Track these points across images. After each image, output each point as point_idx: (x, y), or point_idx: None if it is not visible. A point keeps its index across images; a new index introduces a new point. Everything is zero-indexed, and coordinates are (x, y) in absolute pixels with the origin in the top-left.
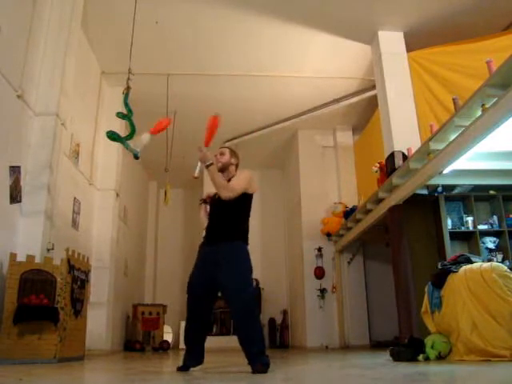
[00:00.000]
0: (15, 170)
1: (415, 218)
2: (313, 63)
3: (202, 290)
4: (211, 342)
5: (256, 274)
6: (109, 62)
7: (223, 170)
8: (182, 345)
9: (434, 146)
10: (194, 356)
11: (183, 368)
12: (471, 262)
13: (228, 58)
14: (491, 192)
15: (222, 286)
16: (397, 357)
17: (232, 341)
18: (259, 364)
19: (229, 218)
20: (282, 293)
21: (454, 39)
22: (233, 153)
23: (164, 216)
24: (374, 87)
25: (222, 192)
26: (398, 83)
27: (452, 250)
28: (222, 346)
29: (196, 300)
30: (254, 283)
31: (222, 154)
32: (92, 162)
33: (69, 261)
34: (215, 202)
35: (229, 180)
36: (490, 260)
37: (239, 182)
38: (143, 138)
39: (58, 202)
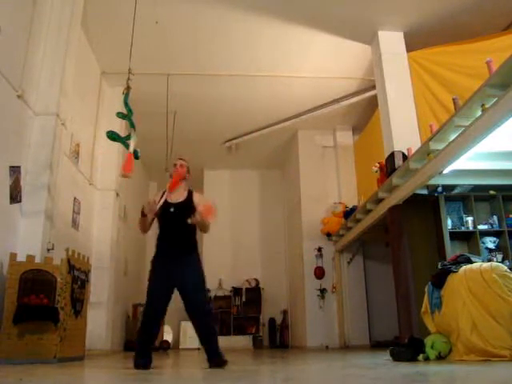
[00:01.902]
0: (15, 170)
1: (415, 218)
2: (313, 63)
3: (163, 302)
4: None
5: (256, 273)
6: (109, 62)
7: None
8: (182, 344)
9: (433, 146)
10: (146, 357)
11: (138, 367)
12: (471, 262)
13: (228, 57)
14: (491, 192)
15: (185, 292)
16: (397, 357)
17: (232, 341)
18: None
19: (189, 235)
20: (282, 293)
21: (454, 39)
22: (189, 169)
23: None
24: (374, 87)
25: (208, 229)
26: (398, 83)
27: (452, 250)
28: (222, 345)
29: (157, 312)
30: (254, 283)
31: (181, 166)
32: (92, 162)
33: (69, 261)
34: (170, 216)
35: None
36: (489, 260)
37: None
38: None
39: (58, 202)
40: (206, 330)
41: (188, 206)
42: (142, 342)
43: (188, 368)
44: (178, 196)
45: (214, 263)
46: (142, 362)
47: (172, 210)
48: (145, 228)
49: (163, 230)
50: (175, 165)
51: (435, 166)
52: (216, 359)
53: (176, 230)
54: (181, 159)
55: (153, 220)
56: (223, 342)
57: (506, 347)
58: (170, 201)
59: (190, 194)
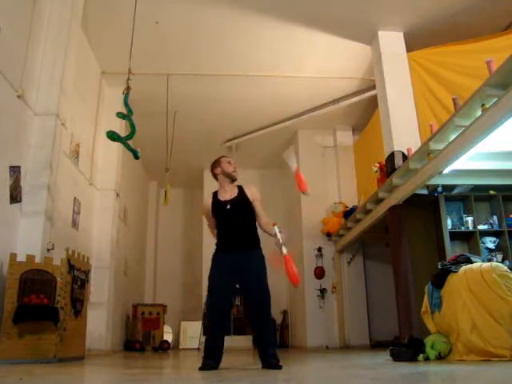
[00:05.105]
0: (15, 170)
1: (415, 218)
2: (313, 63)
3: (226, 299)
4: None
5: None
6: (109, 62)
7: (235, 180)
8: (182, 345)
9: (433, 146)
10: (214, 357)
11: (205, 367)
12: (471, 262)
13: (228, 58)
14: (491, 192)
15: (246, 290)
16: (397, 357)
17: (232, 341)
18: (276, 360)
19: (248, 229)
20: (282, 293)
21: (454, 39)
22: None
23: (164, 216)
24: (374, 87)
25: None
26: (398, 83)
27: (452, 250)
28: None
29: (221, 310)
30: None
31: (234, 165)
32: (92, 162)
33: (69, 261)
34: (227, 213)
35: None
36: (489, 260)
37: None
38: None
39: (58, 202)
40: (263, 331)
41: (242, 201)
42: (210, 343)
43: (188, 368)
44: (231, 193)
45: None
46: (211, 364)
47: (228, 206)
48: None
49: (222, 228)
50: (230, 163)
51: (435, 166)
52: (271, 361)
53: (235, 226)
54: (229, 158)
55: (215, 223)
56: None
57: (506, 347)
58: (223, 199)
59: (240, 189)
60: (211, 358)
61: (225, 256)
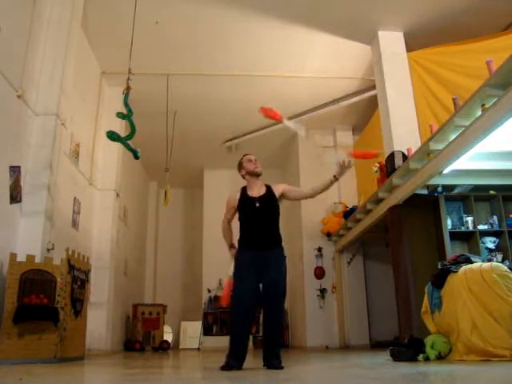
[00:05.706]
0: (15, 170)
1: (415, 218)
2: (313, 63)
3: (253, 299)
4: (212, 341)
5: None
6: (109, 62)
7: (260, 175)
8: (182, 345)
9: (433, 146)
10: (238, 357)
11: (226, 367)
12: (471, 262)
13: (228, 57)
14: (491, 192)
15: (263, 289)
16: (397, 357)
17: None
18: (278, 361)
19: (275, 228)
20: None
21: (454, 39)
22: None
23: (164, 216)
24: (374, 87)
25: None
26: (398, 83)
27: (452, 250)
28: (222, 345)
29: (248, 310)
30: None
31: (256, 160)
32: (92, 162)
33: (69, 261)
34: (256, 211)
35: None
36: (490, 260)
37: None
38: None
39: (58, 202)
40: (273, 330)
41: (271, 199)
42: (234, 343)
43: (188, 368)
44: (259, 191)
45: (213, 263)
46: (235, 364)
47: (258, 204)
48: (229, 233)
49: (249, 226)
50: (250, 160)
51: (435, 166)
52: (273, 361)
53: (261, 224)
54: (251, 155)
55: (233, 217)
56: (224, 341)
57: (506, 347)
58: (252, 195)
59: (268, 188)
60: (235, 358)
61: (247, 253)
